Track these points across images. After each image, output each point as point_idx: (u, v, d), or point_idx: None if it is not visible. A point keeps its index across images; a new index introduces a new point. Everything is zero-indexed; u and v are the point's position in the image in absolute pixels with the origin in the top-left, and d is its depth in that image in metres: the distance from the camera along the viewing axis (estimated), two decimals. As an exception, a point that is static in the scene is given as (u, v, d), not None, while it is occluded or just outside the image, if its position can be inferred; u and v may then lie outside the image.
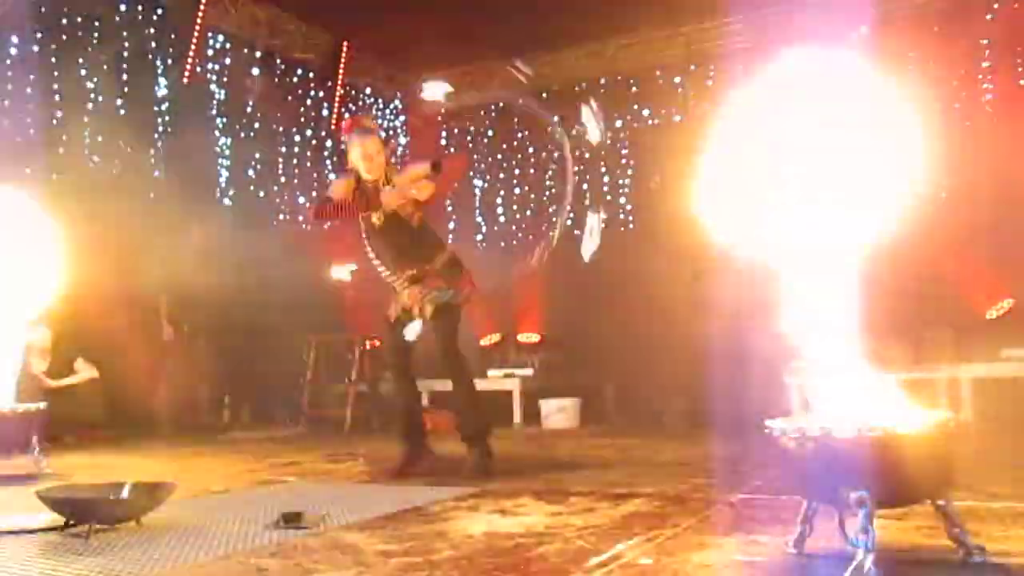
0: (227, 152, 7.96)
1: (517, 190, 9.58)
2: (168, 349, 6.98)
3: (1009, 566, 2.10)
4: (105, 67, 6.88)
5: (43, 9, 6.50)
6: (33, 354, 6.20)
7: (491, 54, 8.65)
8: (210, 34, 7.70)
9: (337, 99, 9.01)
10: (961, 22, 6.99)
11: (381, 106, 9.86)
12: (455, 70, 9.50)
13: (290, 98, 8.63)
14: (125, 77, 7.06)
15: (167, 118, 7.36)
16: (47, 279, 4.50)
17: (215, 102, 7.87)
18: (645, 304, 7.42)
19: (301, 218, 8.30)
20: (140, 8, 7.18)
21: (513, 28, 7.75)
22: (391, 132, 9.95)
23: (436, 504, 3.23)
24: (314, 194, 8.77)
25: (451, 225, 9.74)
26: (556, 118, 4.09)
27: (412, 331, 3.97)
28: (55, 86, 6.57)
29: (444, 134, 9.96)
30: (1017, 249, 6.24)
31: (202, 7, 7.42)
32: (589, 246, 3.77)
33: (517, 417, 7.57)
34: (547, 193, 9.37)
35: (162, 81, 7.35)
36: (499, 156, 9.67)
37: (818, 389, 2.27)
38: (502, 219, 9.54)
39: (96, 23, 6.87)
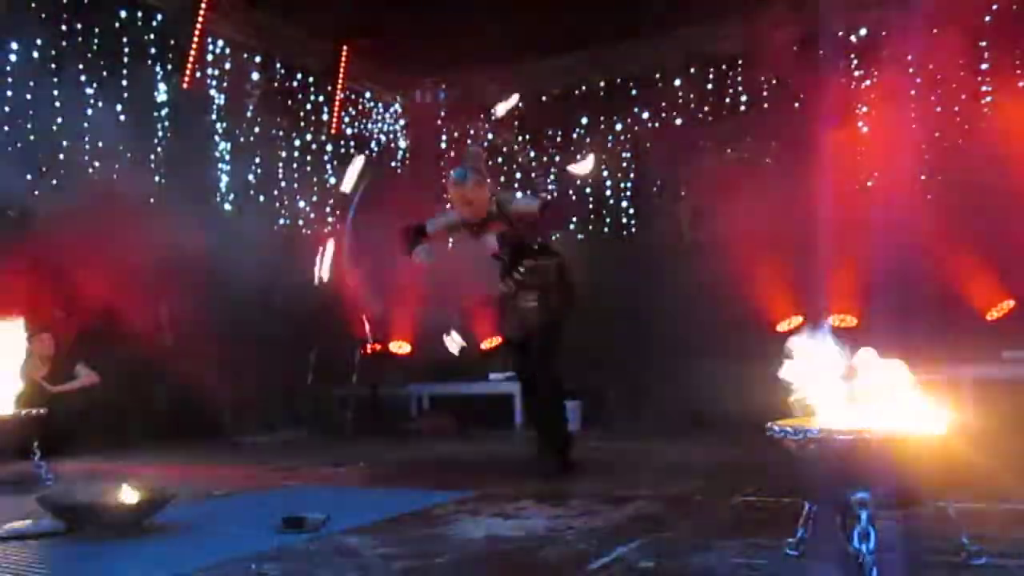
0: (227, 157, 7.97)
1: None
2: (168, 354, 6.98)
3: (1011, 567, 2.10)
4: (105, 73, 6.89)
5: (43, 15, 6.50)
6: (34, 360, 6.21)
7: (489, 58, 8.66)
8: (210, 39, 7.71)
9: (337, 103, 9.02)
10: (960, 24, 6.99)
11: (381, 110, 9.87)
12: (454, 74, 9.51)
13: (290, 103, 8.64)
14: (125, 83, 7.07)
15: (167, 123, 7.37)
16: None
17: (215, 107, 7.88)
18: (646, 307, 7.42)
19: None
20: (139, 14, 7.19)
21: (513, 32, 7.76)
22: (390, 136, 9.95)
23: (437, 508, 3.24)
24: (314, 198, 8.79)
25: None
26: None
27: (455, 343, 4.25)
28: (55, 92, 6.58)
29: (444, 138, 9.96)
30: (1018, 250, 6.23)
31: (202, 13, 7.43)
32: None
33: (518, 420, 7.57)
34: (549, 196, 9.36)
35: (162, 87, 7.36)
36: (499, 159, 9.67)
37: (818, 391, 2.27)
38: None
39: (95, 29, 6.88)
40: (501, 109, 4.15)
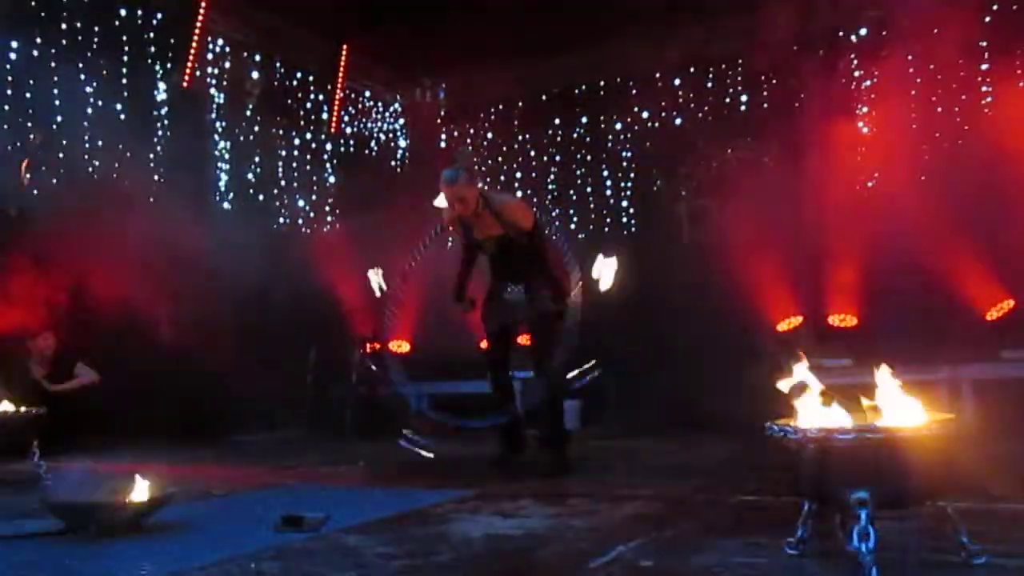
0: (227, 155, 7.97)
1: (519, 193, 9.58)
2: (169, 351, 6.98)
3: (1010, 567, 2.10)
4: (105, 72, 6.88)
5: (43, 14, 6.50)
6: (34, 359, 6.21)
7: (490, 58, 8.65)
8: (209, 38, 7.71)
9: (336, 102, 9.02)
10: (960, 24, 6.98)
11: (380, 109, 9.87)
12: (453, 74, 9.51)
13: (289, 102, 8.64)
14: (125, 82, 7.06)
15: (167, 122, 7.36)
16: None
17: (215, 106, 7.88)
18: (645, 305, 7.41)
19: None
20: (140, 13, 7.18)
21: (512, 32, 7.76)
22: (390, 135, 9.95)
23: (437, 507, 3.23)
24: (313, 197, 8.81)
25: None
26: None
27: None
28: (55, 91, 6.57)
29: (443, 137, 9.96)
30: (1017, 250, 6.23)
31: (202, 12, 7.43)
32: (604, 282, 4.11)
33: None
34: (549, 196, 9.36)
35: (162, 85, 7.35)
36: (499, 158, 9.67)
37: (817, 389, 2.27)
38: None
39: (96, 28, 6.87)
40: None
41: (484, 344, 4.70)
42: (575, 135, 9.20)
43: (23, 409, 4.44)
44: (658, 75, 8.74)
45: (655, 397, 7.15)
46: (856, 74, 7.76)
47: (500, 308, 4.43)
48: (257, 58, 8.22)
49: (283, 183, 8.55)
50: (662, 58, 8.67)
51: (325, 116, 9.00)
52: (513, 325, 4.45)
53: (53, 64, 6.55)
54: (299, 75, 8.73)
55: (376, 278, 4.47)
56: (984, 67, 7.25)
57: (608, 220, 9.04)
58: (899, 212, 6.39)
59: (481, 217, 4.34)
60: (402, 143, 10.07)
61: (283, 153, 8.56)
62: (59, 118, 6.58)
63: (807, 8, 7.65)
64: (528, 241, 4.33)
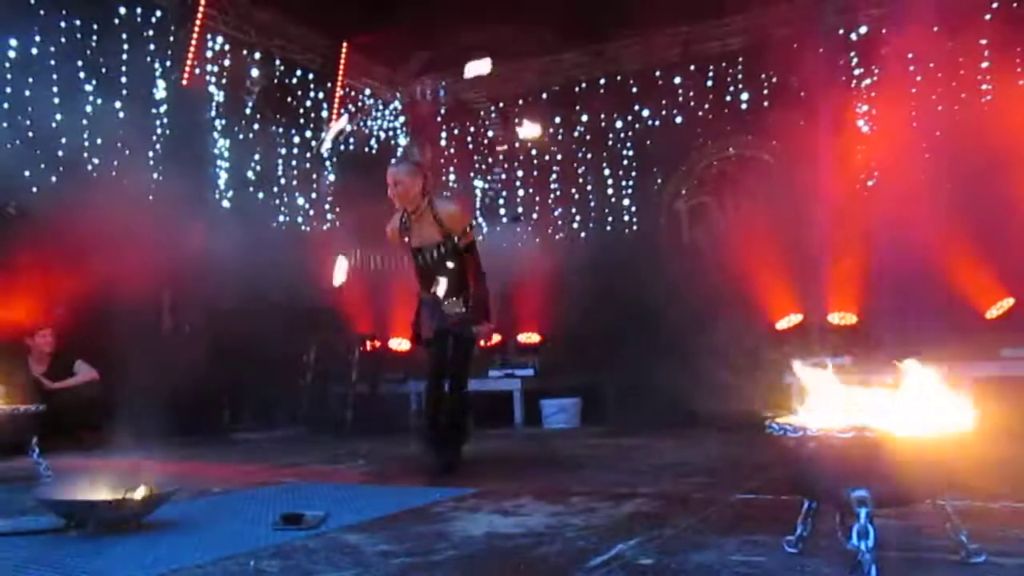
0: (226, 153, 7.96)
1: (521, 192, 9.57)
2: (168, 344, 6.97)
3: (1008, 566, 2.11)
4: (104, 69, 6.87)
5: (42, 11, 6.49)
6: (33, 356, 6.21)
7: (490, 55, 8.63)
8: (209, 36, 7.70)
9: (336, 100, 9.01)
10: (961, 22, 6.98)
11: (380, 107, 9.86)
12: (453, 72, 9.49)
13: (289, 100, 8.62)
14: (124, 79, 7.05)
15: (166, 120, 7.35)
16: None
17: (214, 104, 7.86)
18: (645, 303, 7.42)
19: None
20: (139, 10, 7.17)
21: (511, 29, 7.75)
22: (390, 133, 9.94)
23: (437, 505, 3.24)
24: (313, 195, 8.80)
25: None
26: None
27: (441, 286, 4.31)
28: (54, 88, 6.57)
29: (443, 134, 9.95)
30: (1017, 248, 6.23)
31: (201, 9, 7.41)
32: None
33: (518, 417, 7.56)
34: (551, 196, 9.36)
35: (161, 83, 7.34)
36: (500, 157, 9.66)
37: (817, 388, 2.27)
38: (504, 219, 9.54)
39: (94, 25, 6.86)
40: (471, 71, 4.35)
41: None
42: (575, 133, 9.20)
43: (22, 406, 4.43)
44: (658, 73, 8.74)
45: (654, 395, 7.16)
46: (856, 72, 7.75)
47: (436, 314, 4.40)
48: (257, 56, 8.21)
49: (282, 181, 8.54)
50: (662, 56, 8.67)
51: (325, 114, 8.99)
52: (446, 333, 4.41)
53: (52, 61, 6.54)
54: (299, 73, 8.72)
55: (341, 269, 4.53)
56: (984, 65, 7.25)
57: (609, 218, 9.04)
58: (899, 210, 6.39)
59: (422, 218, 4.40)
60: (402, 141, 10.06)
61: (282, 151, 8.55)
62: (58, 115, 6.57)
63: (808, 5, 7.65)
64: (460, 259, 4.38)
